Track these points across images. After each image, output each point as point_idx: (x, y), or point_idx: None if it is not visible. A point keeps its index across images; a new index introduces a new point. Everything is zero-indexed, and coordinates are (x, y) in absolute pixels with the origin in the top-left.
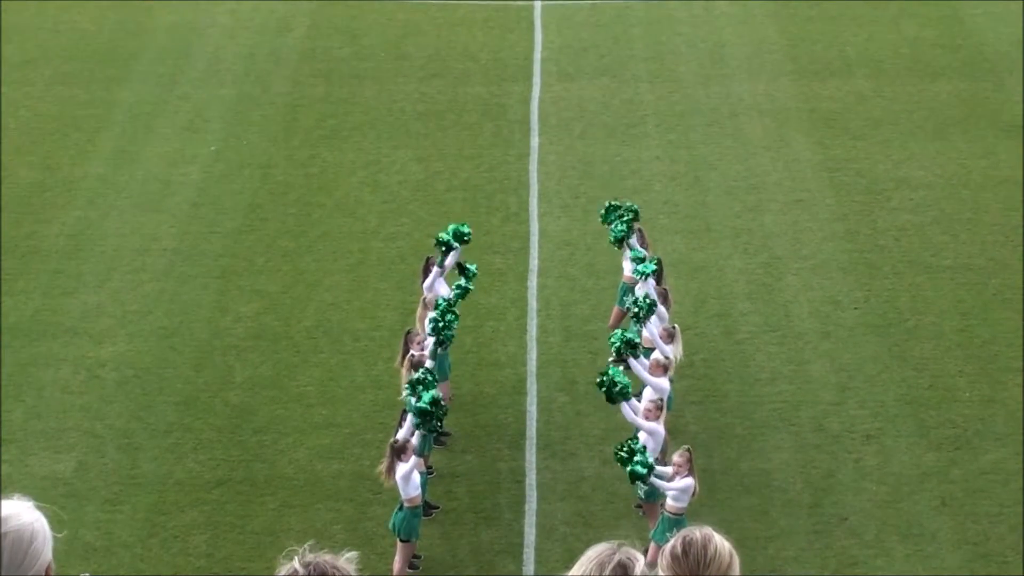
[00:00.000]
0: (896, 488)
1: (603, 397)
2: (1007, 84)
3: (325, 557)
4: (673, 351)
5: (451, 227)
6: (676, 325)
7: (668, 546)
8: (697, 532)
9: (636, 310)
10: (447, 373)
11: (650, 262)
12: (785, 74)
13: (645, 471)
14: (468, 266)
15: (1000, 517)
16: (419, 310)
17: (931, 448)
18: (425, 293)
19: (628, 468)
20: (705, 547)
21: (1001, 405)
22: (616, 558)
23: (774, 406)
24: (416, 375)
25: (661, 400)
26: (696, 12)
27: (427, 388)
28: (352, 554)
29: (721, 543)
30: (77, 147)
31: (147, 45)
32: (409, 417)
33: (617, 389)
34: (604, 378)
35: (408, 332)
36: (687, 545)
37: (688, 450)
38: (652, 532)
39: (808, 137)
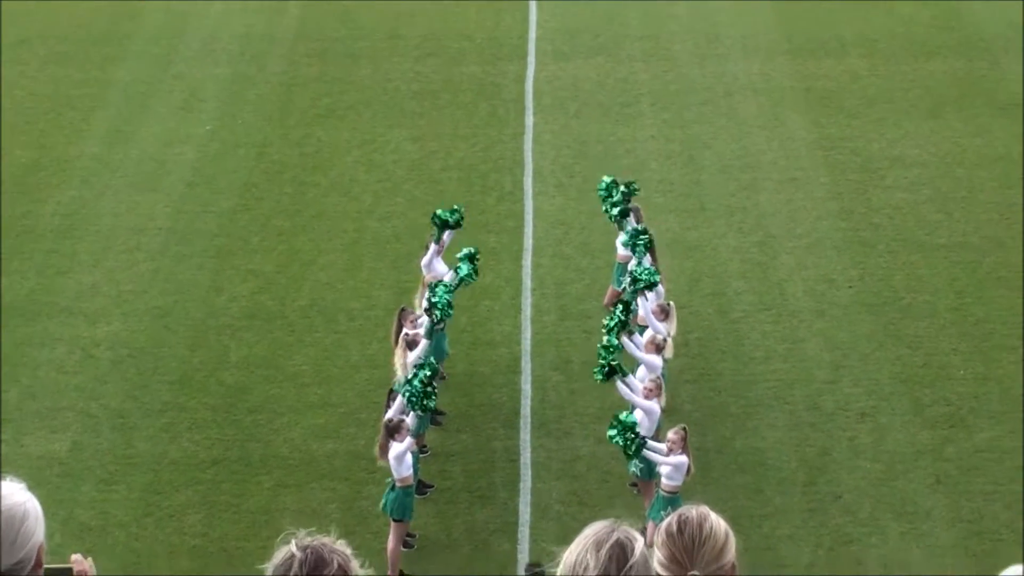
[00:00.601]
0: (890, 466)
1: (597, 376)
2: (1002, 63)
3: (322, 540)
4: (667, 328)
5: (444, 211)
6: (671, 302)
7: (663, 524)
8: (693, 511)
9: (638, 282)
10: (445, 354)
11: (642, 237)
12: (780, 53)
13: (635, 447)
14: (471, 260)
15: (995, 495)
16: (420, 288)
17: (925, 426)
18: (423, 271)
19: (621, 444)
20: (700, 525)
21: (996, 383)
22: (614, 536)
23: (768, 385)
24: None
25: (660, 379)
26: None
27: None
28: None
29: (717, 522)
30: (72, 126)
31: (142, 24)
32: (399, 398)
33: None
34: (600, 362)
35: (402, 310)
36: (682, 523)
37: (683, 428)
38: (648, 511)
39: (803, 116)
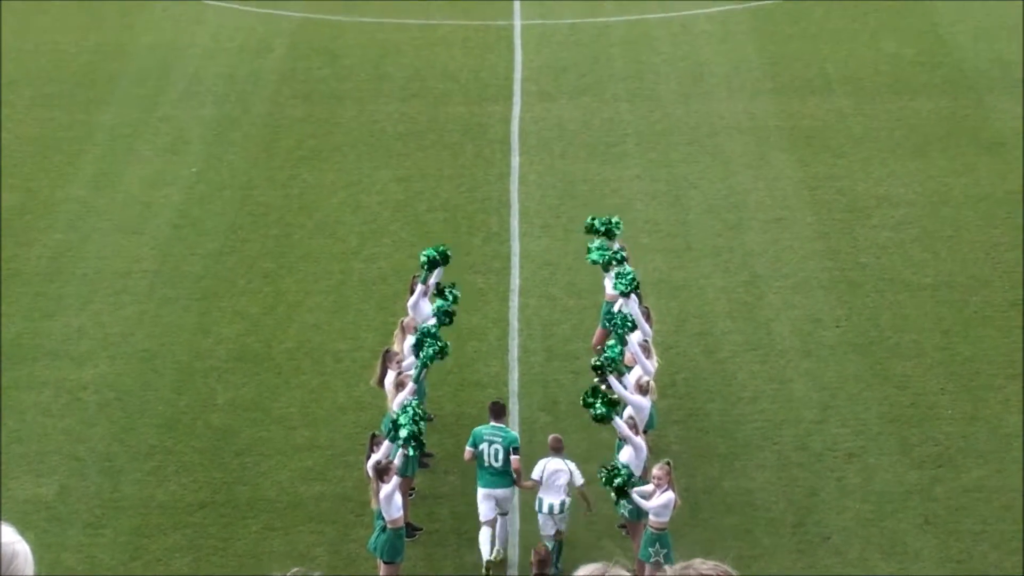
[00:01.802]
0: (879, 506)
1: (587, 414)
2: (987, 101)
3: None
4: (653, 366)
5: (431, 248)
6: (647, 340)
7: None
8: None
9: (619, 327)
10: (424, 394)
11: (630, 276)
12: (765, 92)
13: (623, 484)
14: (450, 290)
15: (983, 535)
16: (396, 331)
17: (914, 466)
18: (409, 311)
19: (611, 485)
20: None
21: (983, 422)
22: None
23: (756, 425)
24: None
25: (632, 420)
26: (675, 31)
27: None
28: None
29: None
30: (58, 169)
31: (127, 67)
32: (385, 441)
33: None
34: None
35: (386, 351)
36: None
37: (668, 463)
38: (639, 551)
39: (788, 155)
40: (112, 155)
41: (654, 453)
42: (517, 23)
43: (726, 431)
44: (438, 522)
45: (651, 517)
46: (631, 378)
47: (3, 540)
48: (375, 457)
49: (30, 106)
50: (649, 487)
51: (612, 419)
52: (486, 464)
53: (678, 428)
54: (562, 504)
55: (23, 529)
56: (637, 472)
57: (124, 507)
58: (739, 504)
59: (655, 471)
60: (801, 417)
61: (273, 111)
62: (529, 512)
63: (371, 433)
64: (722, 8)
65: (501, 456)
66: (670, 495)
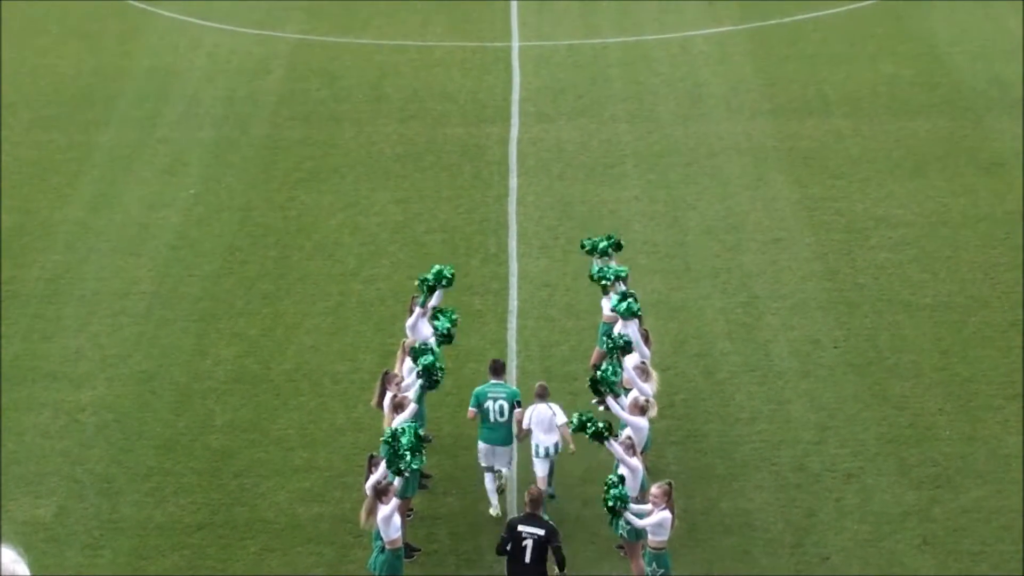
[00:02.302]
0: (877, 527)
1: (583, 434)
2: (985, 121)
3: None
4: (652, 389)
5: (434, 269)
6: (645, 361)
7: None
8: None
9: (611, 346)
10: (424, 417)
11: (631, 301)
12: (763, 113)
13: (615, 505)
14: (446, 314)
15: (982, 555)
16: (398, 351)
17: (912, 487)
18: (408, 333)
19: (604, 505)
20: None
21: (982, 443)
22: None
23: (755, 446)
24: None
25: (630, 439)
26: (673, 51)
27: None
28: None
29: None
30: (56, 191)
31: (126, 88)
32: (383, 462)
33: (606, 381)
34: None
35: (386, 373)
36: None
37: (669, 484)
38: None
39: (787, 176)
40: (110, 177)
41: (652, 473)
42: (515, 44)
43: (724, 452)
44: (436, 543)
45: (649, 537)
46: (628, 399)
47: (3, 562)
48: (374, 478)
49: (29, 128)
50: (647, 506)
51: (606, 440)
52: (491, 420)
53: (676, 449)
54: (556, 445)
55: (22, 550)
56: (633, 493)
57: (122, 528)
58: (737, 525)
59: (654, 490)
60: (799, 438)
61: (271, 133)
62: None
63: (369, 454)
64: (720, 29)
65: (506, 410)
66: (666, 514)
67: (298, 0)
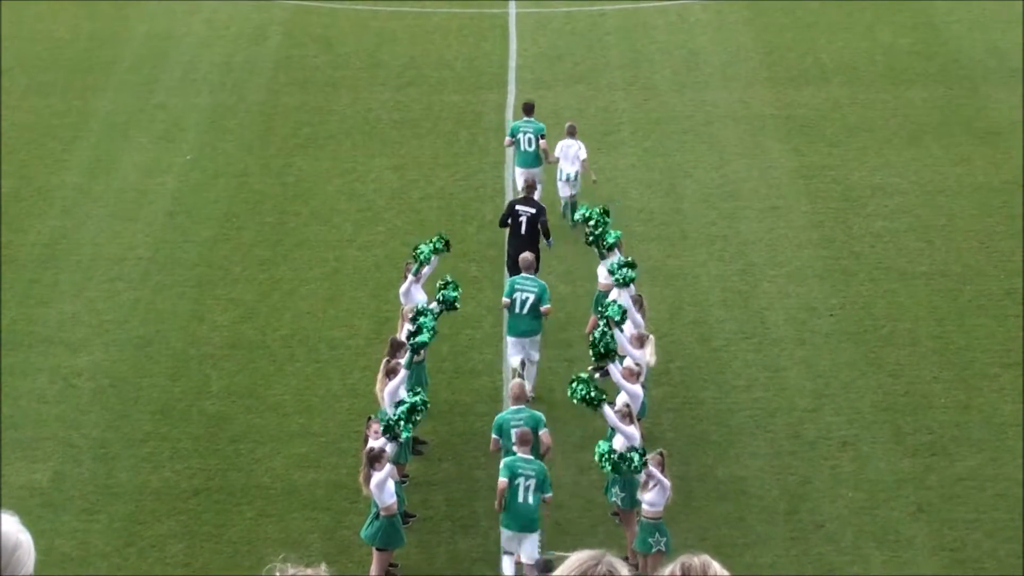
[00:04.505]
0: (872, 494)
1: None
2: (982, 91)
3: (305, 571)
4: (645, 357)
5: (426, 244)
6: (651, 335)
7: (666, 572)
8: (695, 559)
9: (604, 314)
10: (425, 383)
11: (628, 268)
12: (760, 81)
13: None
14: (452, 285)
15: (976, 523)
16: (400, 320)
17: (907, 454)
18: (401, 300)
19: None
20: (705, 573)
21: (977, 411)
22: (600, 568)
23: (750, 413)
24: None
25: (628, 407)
26: (671, 19)
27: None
28: (324, 566)
29: (720, 570)
30: (53, 156)
31: (123, 54)
32: (380, 428)
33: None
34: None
35: (393, 340)
36: (686, 571)
37: (661, 453)
38: (635, 542)
39: (783, 144)
40: (107, 142)
41: (648, 441)
42: (512, 11)
43: (720, 419)
44: (432, 509)
45: (645, 507)
46: (622, 366)
47: (5, 530)
48: (372, 442)
49: (25, 94)
50: (642, 478)
51: (599, 407)
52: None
53: (672, 416)
54: (576, 174)
55: (16, 515)
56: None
57: (118, 493)
58: (732, 492)
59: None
60: (795, 405)
61: (268, 99)
62: None
63: (367, 416)
64: None
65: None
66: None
67: None
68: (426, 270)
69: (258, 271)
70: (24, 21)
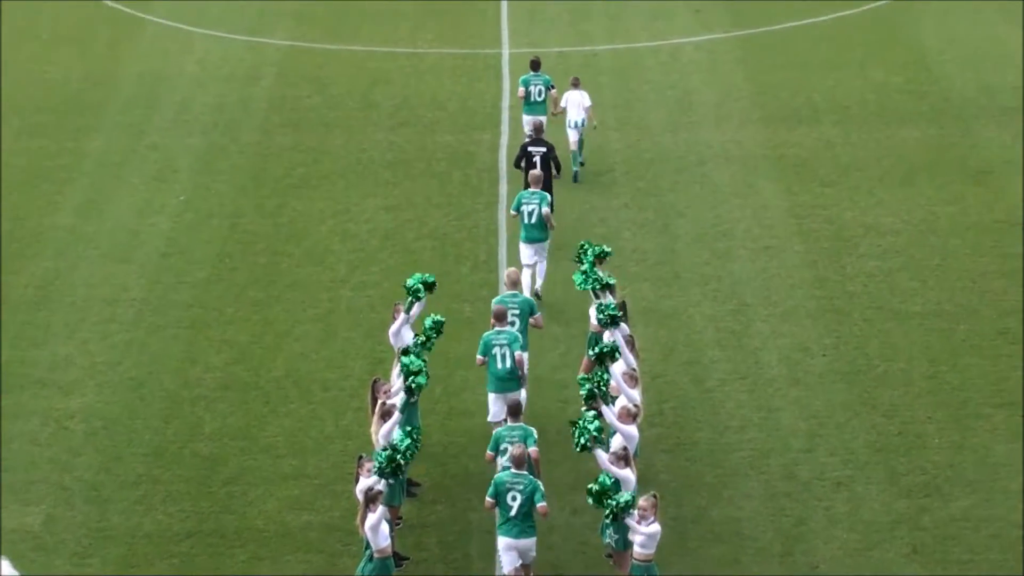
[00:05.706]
0: (867, 536)
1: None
2: (974, 130)
3: None
4: (637, 397)
5: (416, 276)
6: (633, 369)
7: None
8: None
9: (595, 354)
10: (417, 428)
11: (612, 305)
12: (752, 121)
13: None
14: (435, 320)
15: (971, 564)
16: (395, 360)
17: (901, 495)
18: (391, 340)
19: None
20: None
21: (971, 451)
22: None
23: (744, 454)
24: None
25: (625, 450)
26: (663, 59)
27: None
28: None
29: None
30: (46, 198)
31: (115, 95)
32: (373, 466)
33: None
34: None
35: (375, 381)
36: None
37: (654, 495)
38: None
39: (776, 184)
40: (100, 183)
41: (641, 483)
42: (505, 51)
43: (714, 460)
44: (425, 551)
45: (637, 548)
46: (616, 407)
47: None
48: (364, 482)
49: (18, 135)
50: (634, 519)
51: (589, 450)
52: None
53: (666, 457)
54: (583, 120)
55: (8, 559)
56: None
57: (111, 536)
58: (727, 533)
59: (641, 502)
60: (789, 446)
61: (262, 139)
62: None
63: (358, 456)
64: (710, 37)
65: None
66: (656, 527)
67: (289, 1)
68: (415, 309)
69: (251, 312)
70: (17, 62)
